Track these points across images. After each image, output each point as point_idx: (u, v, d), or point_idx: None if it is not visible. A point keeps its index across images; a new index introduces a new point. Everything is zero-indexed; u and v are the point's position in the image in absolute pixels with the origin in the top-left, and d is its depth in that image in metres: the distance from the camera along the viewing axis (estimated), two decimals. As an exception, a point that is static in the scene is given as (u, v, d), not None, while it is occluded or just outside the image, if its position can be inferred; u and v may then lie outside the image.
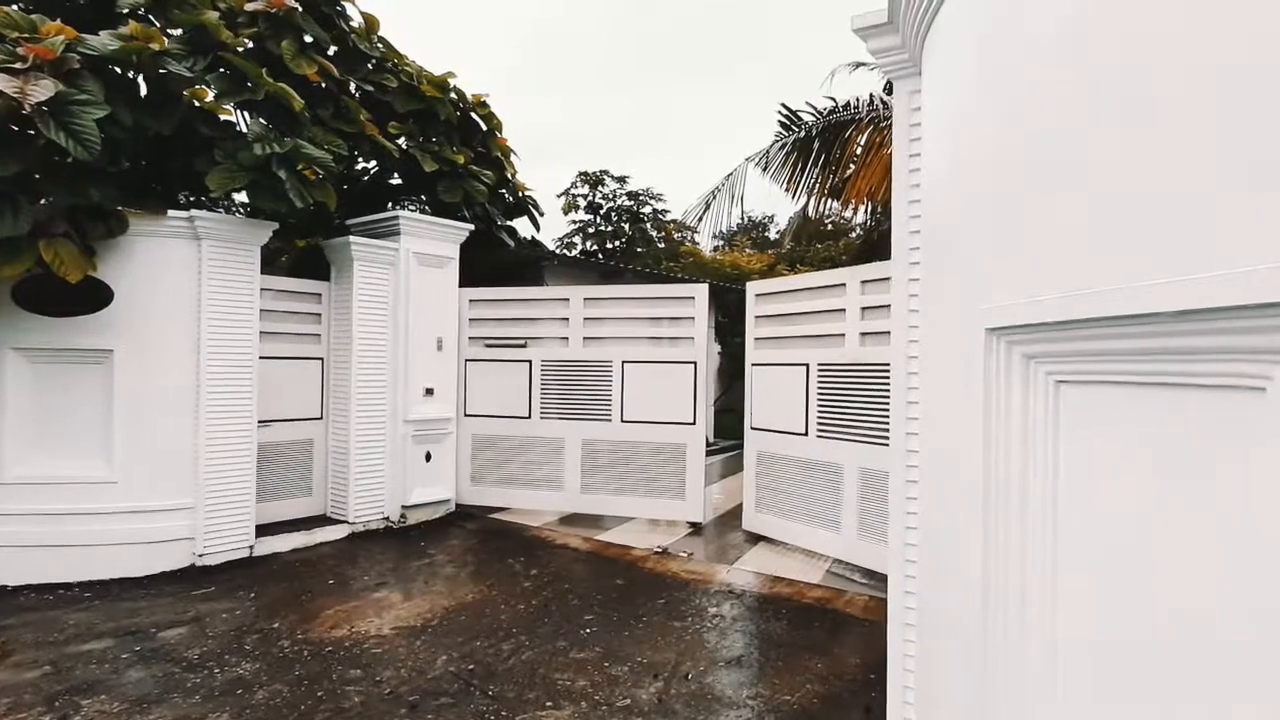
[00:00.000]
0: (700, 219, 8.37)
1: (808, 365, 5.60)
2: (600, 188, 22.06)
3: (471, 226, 6.96)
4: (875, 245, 8.61)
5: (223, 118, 5.37)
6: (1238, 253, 0.89)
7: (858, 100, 7.22)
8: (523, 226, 8.75)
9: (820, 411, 5.49)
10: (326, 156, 5.23)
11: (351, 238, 6.05)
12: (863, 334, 5.18)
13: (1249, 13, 0.92)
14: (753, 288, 6.31)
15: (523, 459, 6.92)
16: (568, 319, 6.81)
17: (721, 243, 25.95)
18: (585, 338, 6.74)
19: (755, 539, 5.99)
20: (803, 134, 7.41)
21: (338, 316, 6.26)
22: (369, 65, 6.67)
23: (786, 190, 7.73)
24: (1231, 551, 0.94)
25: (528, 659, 3.67)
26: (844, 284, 5.33)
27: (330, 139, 5.63)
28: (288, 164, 4.97)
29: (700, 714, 3.14)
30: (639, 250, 21.43)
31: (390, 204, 7.77)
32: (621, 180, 22.09)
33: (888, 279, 4.85)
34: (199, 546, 5.05)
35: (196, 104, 5.15)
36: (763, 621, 4.26)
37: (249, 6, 5.54)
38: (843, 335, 5.32)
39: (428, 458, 6.61)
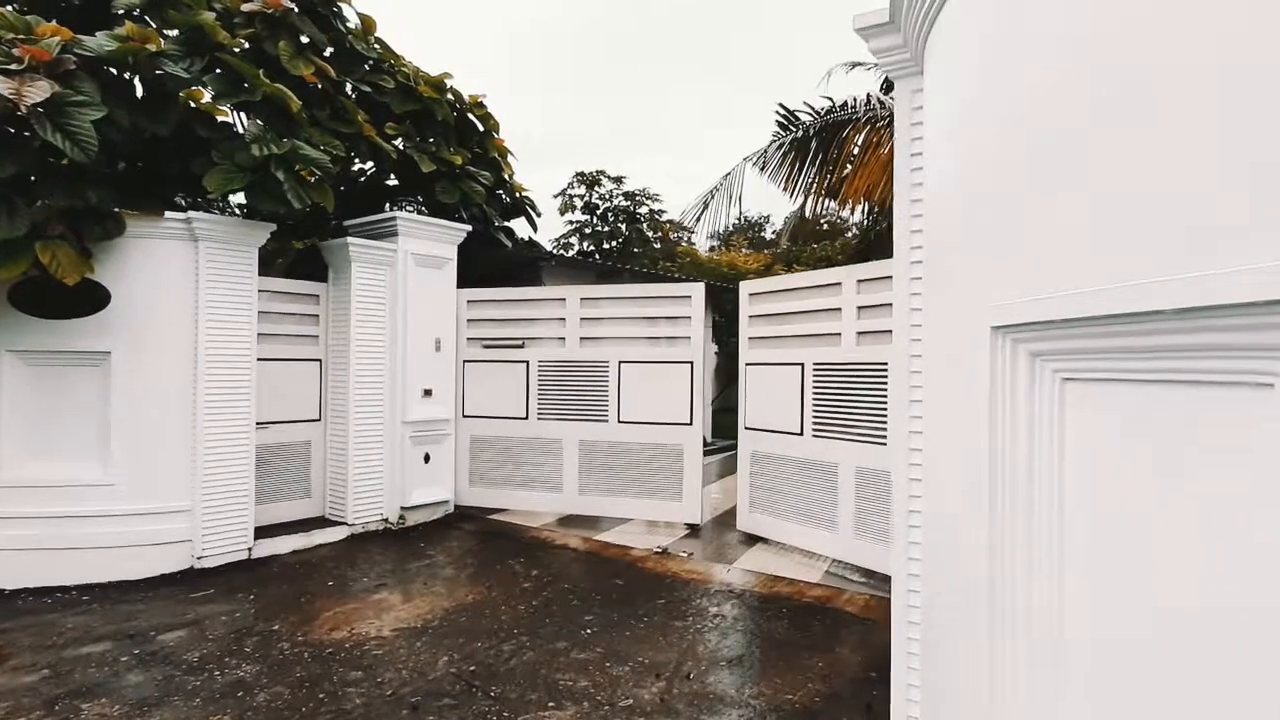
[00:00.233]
0: (698, 219, 8.38)
1: (803, 365, 5.59)
2: (597, 188, 22.03)
3: (469, 227, 6.95)
4: (873, 244, 8.63)
5: (220, 119, 5.35)
6: (1242, 250, 0.90)
7: (855, 100, 7.23)
8: (520, 227, 8.76)
9: (816, 411, 5.48)
10: (324, 157, 5.23)
11: (349, 239, 6.04)
12: (859, 333, 5.17)
13: (1249, 13, 0.93)
14: (746, 287, 6.30)
15: (520, 460, 6.91)
16: (564, 319, 6.80)
17: (718, 243, 25.97)
18: (582, 338, 6.73)
19: (753, 539, 5.99)
20: (800, 134, 7.43)
21: (336, 318, 6.24)
22: (366, 66, 6.66)
23: (784, 190, 7.74)
24: (1239, 548, 0.95)
25: (529, 660, 3.67)
26: (840, 283, 5.33)
27: (327, 140, 5.62)
28: (285, 165, 4.96)
29: (703, 713, 3.14)
30: (635, 250, 21.41)
31: (388, 205, 7.76)
32: (618, 181, 22.07)
33: (885, 278, 4.92)
34: (197, 549, 5.04)
35: (193, 105, 5.14)
36: (763, 621, 4.26)
37: (245, 7, 5.53)
38: (839, 334, 5.32)
39: (426, 459, 6.60)
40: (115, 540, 4.77)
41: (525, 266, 9.17)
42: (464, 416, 7.04)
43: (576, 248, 21.88)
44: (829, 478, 5.36)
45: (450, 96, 7.43)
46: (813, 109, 7.42)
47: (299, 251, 6.71)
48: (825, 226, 17.86)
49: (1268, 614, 0.90)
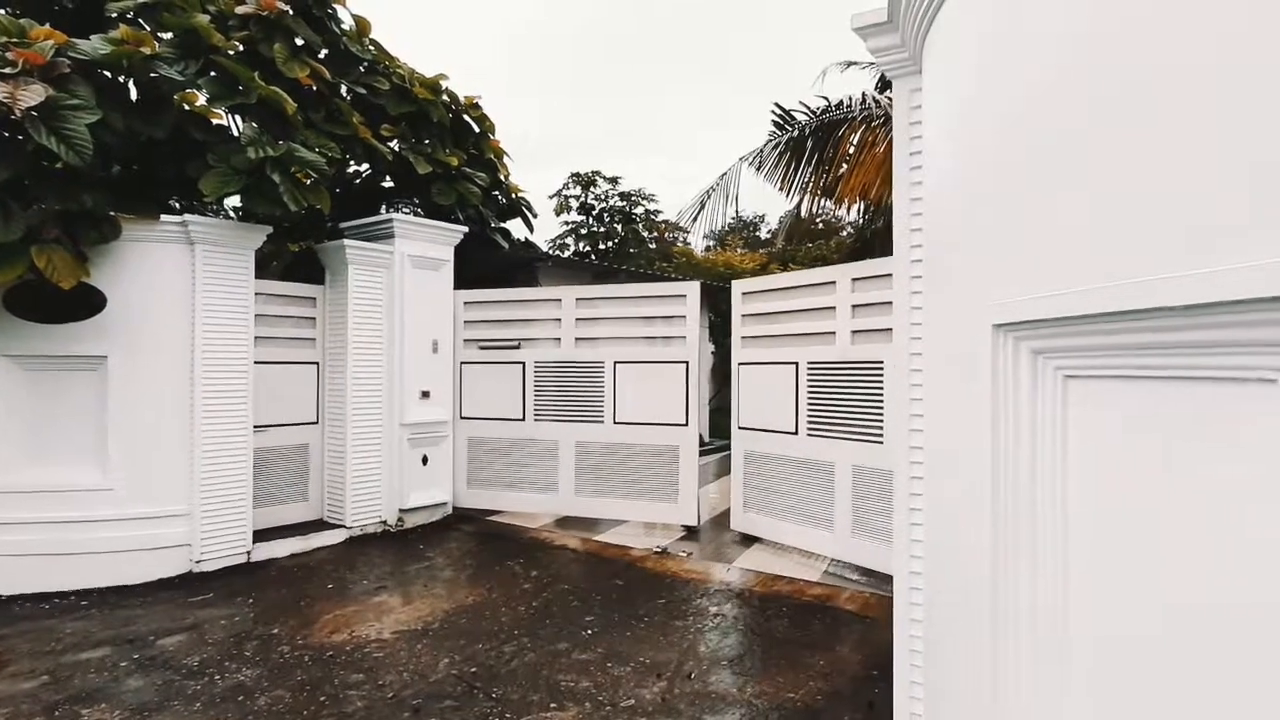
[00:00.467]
0: (695, 219, 8.39)
1: (797, 364, 5.59)
2: (592, 189, 22.05)
3: (465, 229, 6.94)
4: (869, 243, 8.65)
5: (215, 122, 5.33)
6: (1243, 248, 0.90)
7: (850, 99, 7.25)
8: (516, 228, 8.76)
9: (811, 410, 5.48)
10: (320, 159, 5.22)
11: (346, 241, 6.03)
12: (854, 332, 5.17)
13: (1248, 12, 0.94)
14: (739, 286, 6.27)
15: (517, 461, 6.90)
16: (559, 319, 6.78)
17: (713, 243, 26.01)
18: (577, 338, 6.71)
19: (750, 539, 5.98)
20: (796, 133, 7.44)
21: (332, 320, 6.23)
22: (361, 68, 6.64)
23: (780, 189, 7.76)
24: (1242, 544, 0.95)
25: (530, 661, 3.67)
26: (834, 281, 5.32)
27: (323, 142, 5.61)
28: (281, 168, 4.94)
29: (705, 713, 3.15)
30: (631, 251, 21.43)
31: (384, 207, 7.74)
32: (614, 181, 22.09)
33: (880, 276, 4.93)
34: (196, 553, 5.02)
35: (188, 108, 5.12)
36: (763, 620, 4.27)
37: (240, 10, 5.51)
38: (833, 333, 5.32)
39: (424, 461, 6.60)
40: (113, 545, 4.76)
41: (522, 268, 9.17)
42: (461, 418, 7.04)
43: (572, 248, 21.89)
44: (825, 477, 5.36)
45: (446, 98, 7.42)
46: (808, 108, 7.43)
47: (295, 254, 6.70)
48: (820, 226, 17.91)
49: (1272, 610, 0.90)
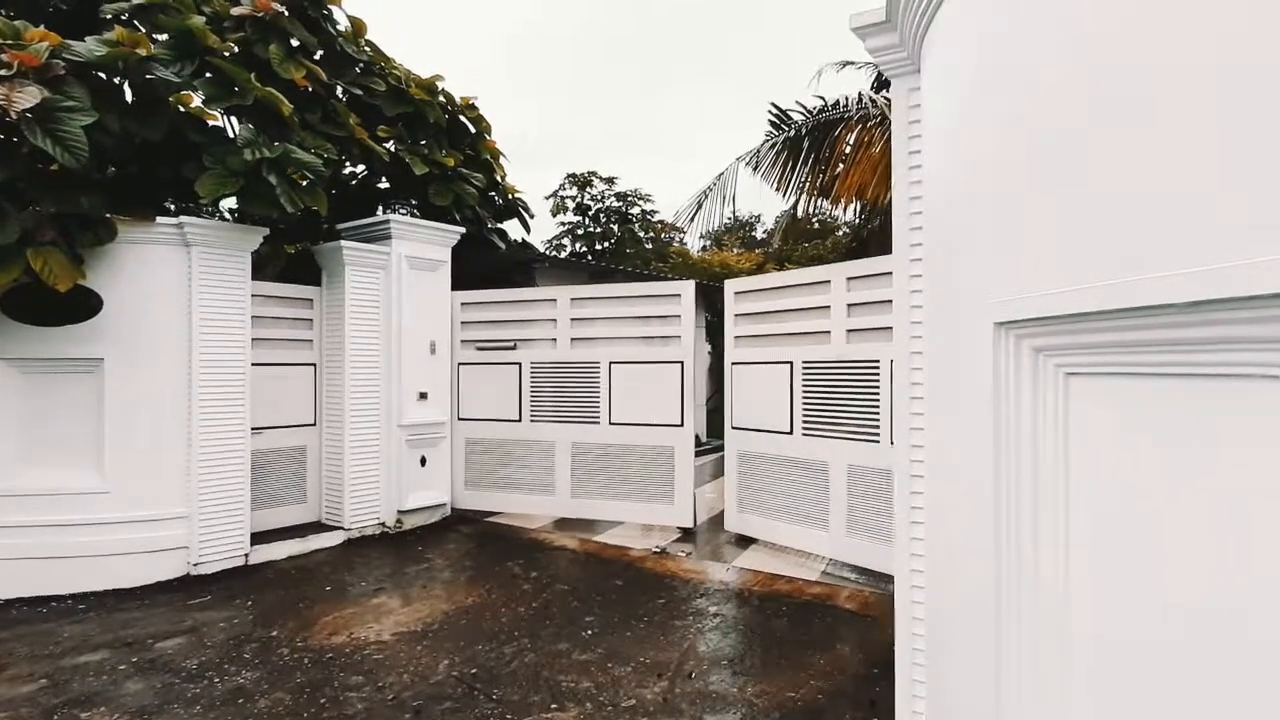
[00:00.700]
0: (692, 219, 8.39)
1: (792, 363, 5.59)
2: (588, 189, 22.06)
3: (462, 229, 6.94)
4: (865, 243, 8.66)
5: (211, 123, 5.33)
6: (1247, 244, 0.91)
7: (846, 99, 7.27)
8: (513, 229, 8.74)
9: (806, 409, 5.48)
10: (316, 161, 5.21)
11: (343, 242, 6.01)
12: (849, 331, 5.18)
13: (1249, 12, 0.94)
14: (731, 285, 6.26)
15: (514, 463, 6.89)
16: (555, 320, 6.77)
17: (709, 243, 26.03)
18: (573, 339, 6.70)
19: (748, 539, 5.97)
20: (793, 133, 7.45)
21: (330, 322, 6.22)
22: (357, 69, 6.63)
23: (777, 189, 7.77)
24: (1246, 542, 0.96)
25: (530, 661, 3.67)
26: (829, 281, 5.33)
27: (319, 143, 5.60)
28: (278, 169, 4.94)
29: (706, 713, 3.15)
30: (628, 251, 21.45)
31: (380, 208, 7.74)
32: (610, 181, 22.11)
33: (875, 275, 4.95)
34: (193, 555, 5.01)
35: (183, 109, 5.11)
36: (763, 619, 4.27)
37: (235, 11, 5.50)
38: (828, 332, 5.33)
39: (423, 462, 6.59)
40: (110, 548, 4.74)
41: (519, 268, 9.16)
42: (459, 419, 7.03)
43: (569, 249, 21.88)
44: (820, 476, 5.37)
45: (442, 99, 7.42)
46: (805, 108, 7.45)
47: (292, 255, 6.68)
48: (816, 226, 17.94)
49: (1276, 609, 0.91)
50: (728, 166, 8.01)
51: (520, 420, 6.84)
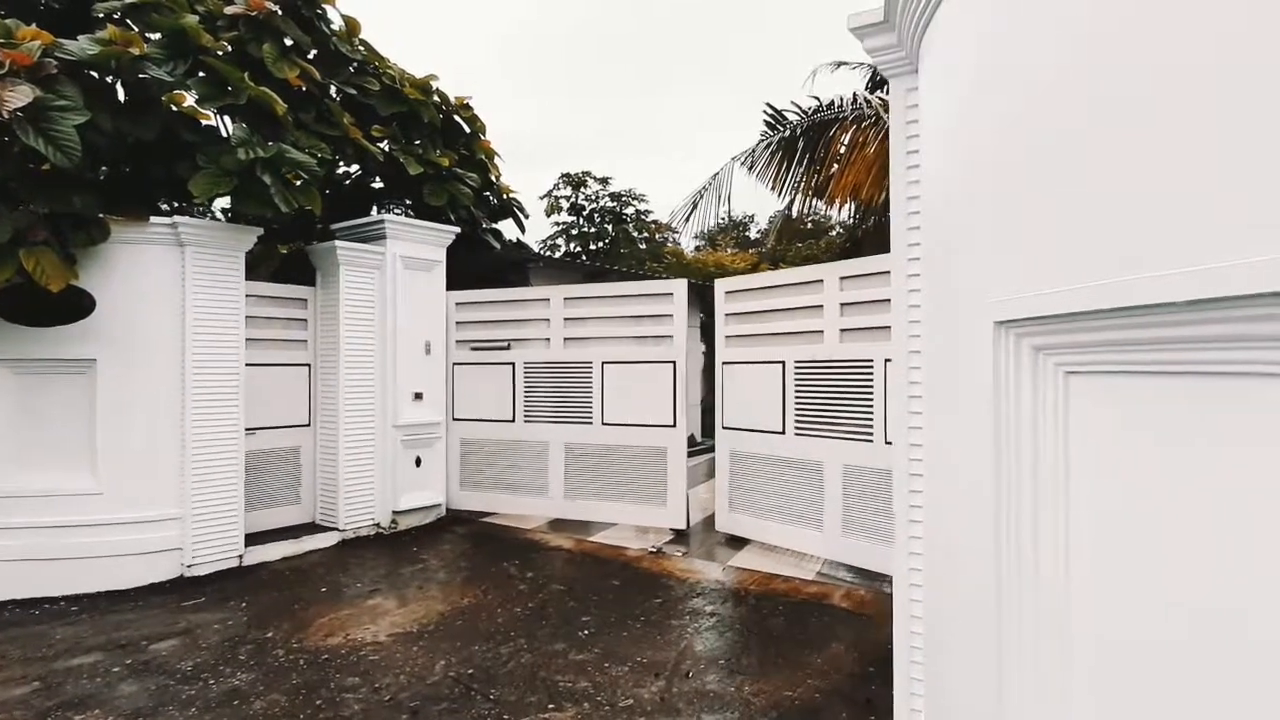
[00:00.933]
0: (688, 219, 8.40)
1: (784, 363, 5.59)
2: (583, 189, 22.04)
3: (457, 229, 6.92)
4: (859, 242, 8.69)
5: (204, 123, 5.30)
6: (1249, 242, 0.91)
7: (841, 99, 7.28)
8: (508, 229, 8.74)
9: (799, 409, 5.48)
10: (310, 160, 5.19)
11: (337, 242, 5.99)
12: (843, 330, 5.19)
13: (1249, 12, 0.95)
14: (722, 285, 6.24)
15: (508, 463, 6.87)
16: (548, 320, 6.75)
17: (703, 243, 26.05)
18: (566, 338, 6.68)
19: (742, 540, 5.95)
20: (788, 133, 7.47)
21: (324, 322, 6.20)
22: (350, 68, 6.61)
23: (772, 189, 7.78)
24: (1248, 540, 0.96)
25: (527, 662, 3.66)
26: (822, 280, 5.33)
27: (314, 143, 5.58)
28: (272, 168, 4.91)
29: (704, 712, 3.15)
30: (622, 251, 21.44)
31: (374, 208, 7.72)
32: (604, 182, 22.10)
33: (869, 275, 4.96)
34: (187, 557, 4.98)
35: (176, 109, 5.08)
36: (759, 618, 4.27)
37: (228, 10, 5.47)
38: (821, 332, 5.33)
39: (418, 462, 6.57)
40: (103, 550, 4.71)
41: (514, 268, 9.14)
42: (454, 419, 7.01)
43: (563, 249, 21.87)
44: (814, 476, 5.37)
45: (436, 98, 7.40)
46: (800, 108, 7.46)
47: (286, 255, 6.66)
48: (810, 226, 17.98)
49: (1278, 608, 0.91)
50: (723, 166, 8.02)
51: (514, 421, 6.82)
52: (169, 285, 4.94)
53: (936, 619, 2.05)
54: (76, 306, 4.62)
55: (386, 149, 6.85)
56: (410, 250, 6.50)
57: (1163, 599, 1.11)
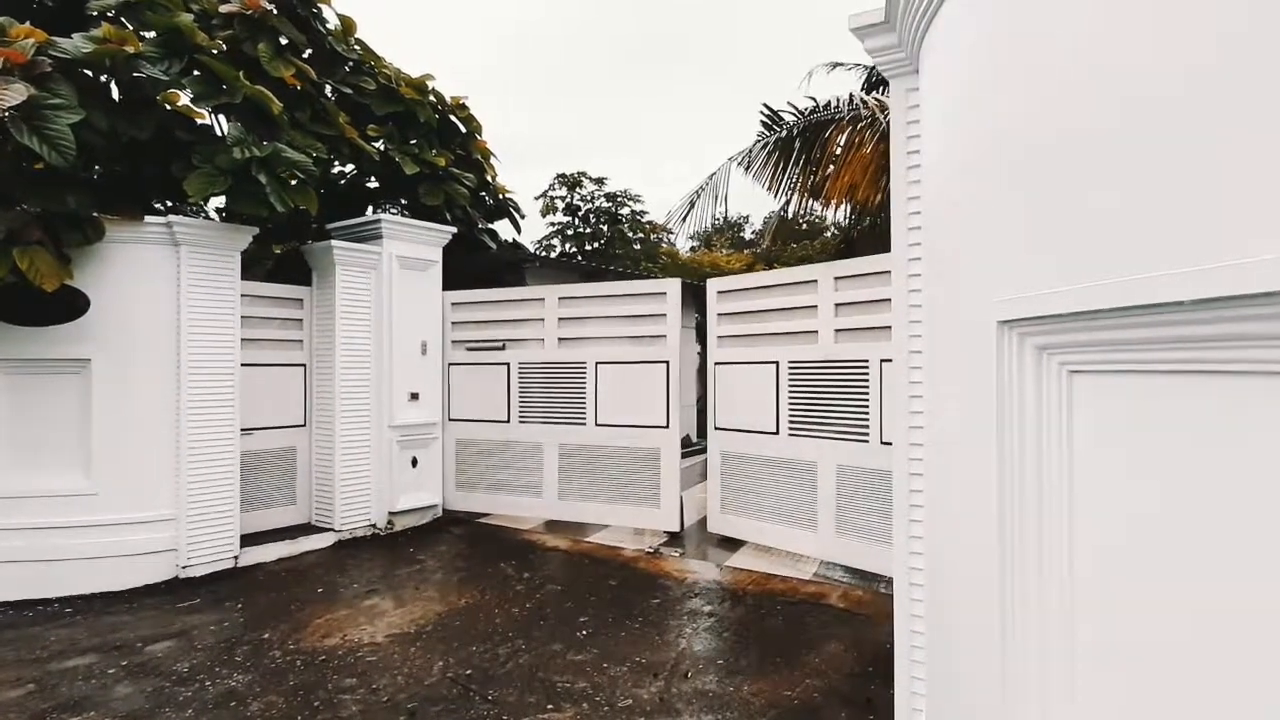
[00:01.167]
0: (685, 219, 8.39)
1: (778, 363, 5.57)
2: (578, 189, 22.02)
3: (454, 229, 6.90)
4: (855, 243, 8.70)
5: (199, 122, 5.27)
6: (1252, 242, 0.92)
7: (837, 100, 7.29)
8: (504, 229, 8.73)
9: (793, 409, 5.48)
10: (306, 160, 5.17)
11: (333, 242, 5.97)
12: (837, 330, 5.18)
13: (1249, 12, 0.95)
14: (714, 284, 6.21)
15: (503, 464, 6.84)
16: (543, 319, 6.71)
17: (699, 243, 26.07)
18: (560, 339, 6.65)
19: (735, 541, 5.91)
20: (784, 134, 7.47)
21: (320, 322, 6.17)
22: (346, 67, 6.59)
23: (768, 189, 7.78)
24: (1254, 539, 0.97)
25: (525, 662, 3.65)
26: (816, 280, 5.32)
27: (309, 142, 5.56)
28: (267, 168, 4.89)
29: (703, 712, 3.15)
30: (617, 252, 21.43)
31: (370, 208, 7.69)
32: (599, 182, 22.08)
33: (864, 275, 4.97)
34: (182, 558, 4.95)
35: (171, 108, 5.05)
36: (757, 618, 4.28)
37: (224, 8, 5.45)
38: (816, 332, 5.32)
39: (414, 463, 6.55)
40: (98, 551, 4.68)
41: (510, 268, 9.13)
42: (450, 420, 6.99)
43: (559, 249, 21.85)
44: (808, 477, 5.36)
45: (432, 98, 7.39)
46: (796, 109, 7.47)
47: (281, 255, 6.64)
48: (805, 226, 18.01)
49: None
50: (720, 167, 8.02)
51: (509, 421, 6.80)
52: (164, 285, 4.91)
53: (938, 619, 2.06)
54: (71, 306, 4.59)
55: (382, 148, 6.83)
56: (406, 250, 6.48)
57: (1168, 598, 1.11)
